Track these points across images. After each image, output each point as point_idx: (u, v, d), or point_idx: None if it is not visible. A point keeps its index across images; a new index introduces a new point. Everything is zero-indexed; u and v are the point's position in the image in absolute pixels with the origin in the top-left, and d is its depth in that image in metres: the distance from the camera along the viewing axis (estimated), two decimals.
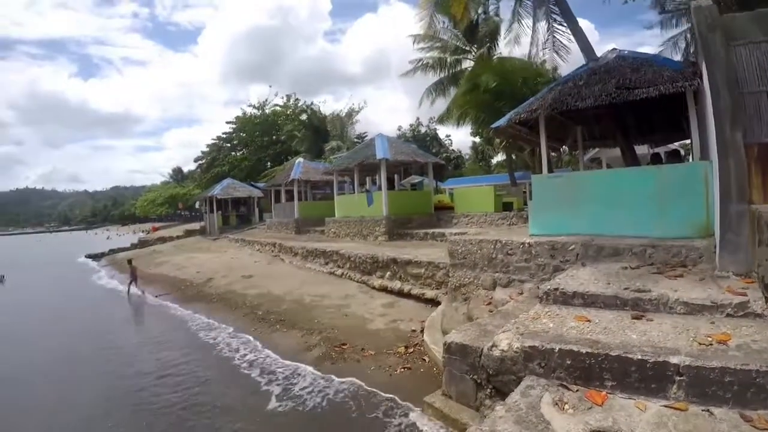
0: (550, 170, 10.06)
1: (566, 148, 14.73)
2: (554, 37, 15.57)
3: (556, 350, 4.11)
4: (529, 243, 7.93)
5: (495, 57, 24.51)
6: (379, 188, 20.61)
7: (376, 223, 19.20)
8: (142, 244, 41.95)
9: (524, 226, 10.25)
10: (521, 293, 7.59)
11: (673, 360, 3.57)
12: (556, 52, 15.91)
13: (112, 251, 39.89)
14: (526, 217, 11.88)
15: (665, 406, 3.44)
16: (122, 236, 65.89)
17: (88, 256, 38.18)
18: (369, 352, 8.85)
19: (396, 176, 24.59)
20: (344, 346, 9.39)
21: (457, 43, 27.39)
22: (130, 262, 22.02)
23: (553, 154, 13.69)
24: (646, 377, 3.64)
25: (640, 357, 3.68)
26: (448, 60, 27.71)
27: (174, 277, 22.13)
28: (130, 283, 19.75)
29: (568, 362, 4.01)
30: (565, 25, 13.36)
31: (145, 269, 25.92)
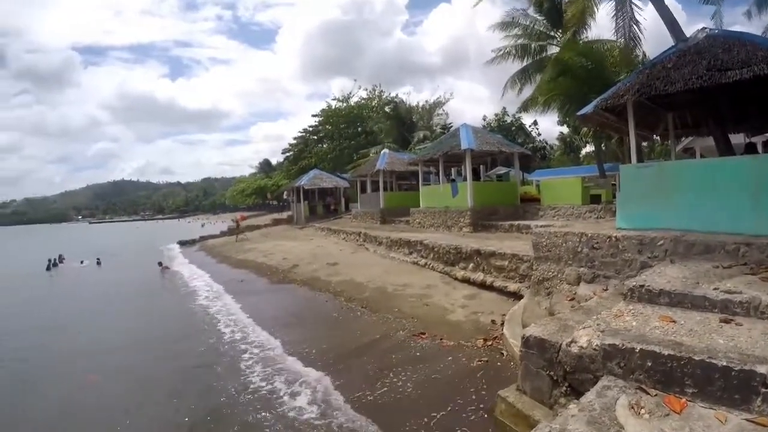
0: (639, 160, 9.62)
1: (657, 137, 14.01)
2: (638, 17, 14.84)
3: (637, 350, 3.94)
4: (615, 237, 7.59)
5: (581, 41, 23.45)
6: (464, 179, 20.44)
7: (461, 214, 19.06)
8: (232, 231, 43.77)
9: (612, 220, 9.85)
10: (606, 289, 7.31)
11: (761, 370, 3.32)
12: (638, 35, 15.16)
13: (203, 238, 42.03)
14: (614, 210, 11.41)
15: (747, 420, 3.21)
16: (214, 224, 69.03)
17: (180, 243, 40.22)
18: (447, 342, 8.87)
19: (482, 167, 24.26)
20: (423, 335, 9.47)
21: (541, 29, 26.41)
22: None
23: (643, 143, 13.04)
24: (729, 386, 3.40)
25: (725, 364, 3.45)
26: (533, 46, 26.73)
27: (261, 263, 22.96)
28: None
29: (649, 364, 3.83)
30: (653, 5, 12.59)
31: (234, 255, 27.15)
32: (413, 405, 6.68)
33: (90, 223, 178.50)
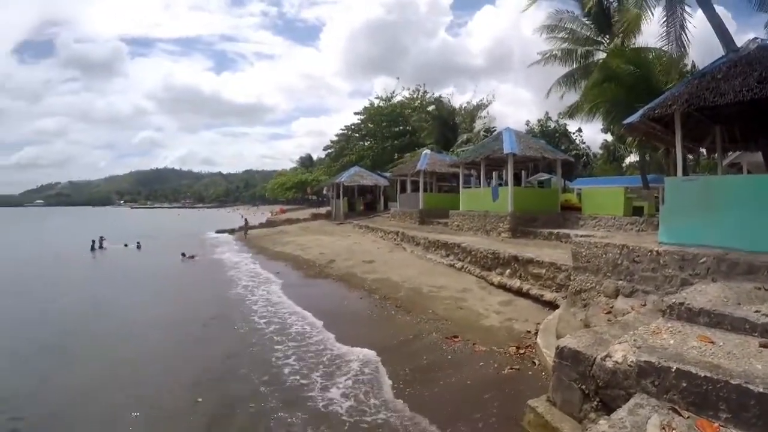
0: (685, 173, 9.38)
1: (704, 150, 13.66)
2: (688, 26, 14.45)
3: (673, 370, 3.88)
4: (657, 251, 7.42)
5: (629, 47, 22.88)
6: (505, 183, 20.30)
7: (500, 219, 18.91)
8: (270, 224, 44.60)
9: (653, 233, 9.64)
10: (644, 305, 7.20)
11: None
12: (687, 43, 14.77)
13: (242, 228, 42.56)
14: (656, 223, 11.15)
15: None
16: (254, 215, 70.09)
17: (218, 231, 41.10)
18: (480, 347, 8.85)
19: (523, 172, 24.03)
20: (456, 339, 9.48)
21: (588, 33, 25.93)
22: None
23: (689, 156, 12.72)
24: (765, 414, 3.32)
25: (761, 390, 3.36)
26: (579, 51, 26.35)
27: (298, 256, 23.32)
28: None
29: (684, 385, 3.77)
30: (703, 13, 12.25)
31: (272, 247, 27.59)
32: (441, 407, 6.73)
33: (132, 207, 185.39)
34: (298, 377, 8.12)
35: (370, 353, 9.14)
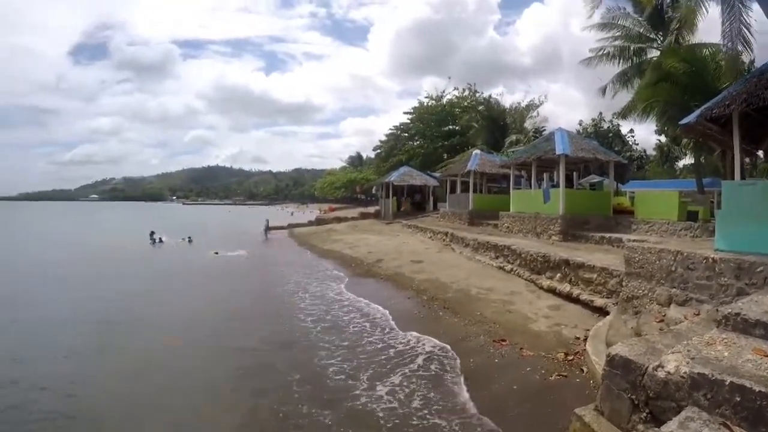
0: (743, 177, 9.06)
1: (761, 153, 13.13)
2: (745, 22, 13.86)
3: (727, 383, 3.78)
4: (713, 258, 7.19)
5: (684, 45, 22.04)
6: (557, 185, 19.99)
7: (551, 222, 18.63)
8: (319, 222, 45.08)
9: (709, 240, 9.37)
10: (697, 314, 7.00)
11: None
12: (747, 40, 14.15)
13: (291, 226, 43.42)
14: (711, 229, 10.77)
15: None
16: (303, 213, 71.21)
17: (267, 229, 41.76)
18: (527, 352, 8.78)
19: (575, 174, 23.57)
20: (503, 342, 9.44)
21: (641, 30, 25.12)
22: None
23: (746, 159, 12.26)
24: None
25: None
26: (631, 49, 25.57)
27: (346, 254, 23.60)
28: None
29: (737, 399, 3.67)
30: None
31: (321, 245, 27.98)
32: (487, 411, 6.77)
33: (183, 204, 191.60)
34: (343, 377, 8.31)
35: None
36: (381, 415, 6.85)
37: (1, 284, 17.57)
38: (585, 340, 8.90)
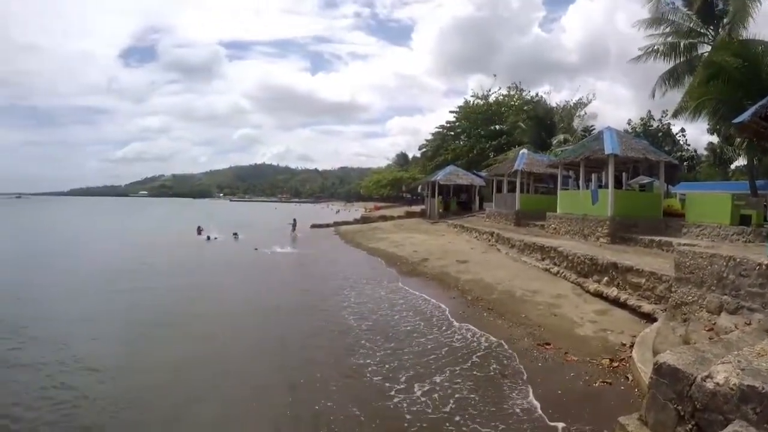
0: None
1: None
2: None
3: None
4: (766, 265, 6.97)
5: (736, 40, 21.06)
6: (605, 186, 19.57)
7: (599, 224, 18.25)
8: (365, 220, 45.41)
9: (762, 245, 9.04)
10: (749, 323, 6.75)
11: None
12: None
13: (337, 223, 43.90)
14: (765, 234, 10.38)
15: None
16: (349, 212, 71.81)
17: (313, 226, 42.23)
18: (572, 357, 8.69)
19: (624, 174, 22.97)
20: (548, 346, 9.39)
21: (691, 25, 24.29)
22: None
23: None
24: None
25: None
26: (682, 45, 24.79)
27: (392, 253, 23.73)
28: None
29: None
30: None
31: (366, 243, 28.19)
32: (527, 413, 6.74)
33: (230, 200, 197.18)
34: (380, 378, 8.36)
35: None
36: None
37: (53, 275, 18.77)
38: (631, 346, 8.70)
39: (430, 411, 6.97)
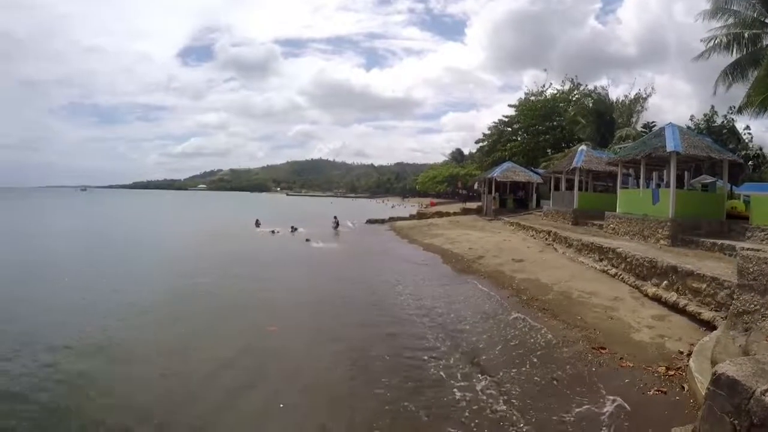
0: None
1: None
2: None
3: None
4: None
5: None
6: (666, 185, 19.06)
7: (660, 225, 17.71)
8: (420, 216, 45.56)
9: None
10: None
11: None
12: None
13: (392, 219, 44.29)
14: None
15: None
16: (405, 207, 72.17)
17: (369, 221, 42.71)
18: (627, 363, 8.57)
19: (686, 173, 22.24)
20: (603, 350, 9.29)
21: (755, 15, 23.00)
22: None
23: None
24: None
25: None
26: (745, 35, 23.52)
27: (447, 249, 23.91)
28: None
29: None
30: None
31: (421, 239, 28.43)
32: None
33: (287, 195, 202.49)
34: (440, 372, 8.51)
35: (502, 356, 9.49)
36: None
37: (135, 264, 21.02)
38: (689, 355, 8.51)
39: (488, 409, 7.14)
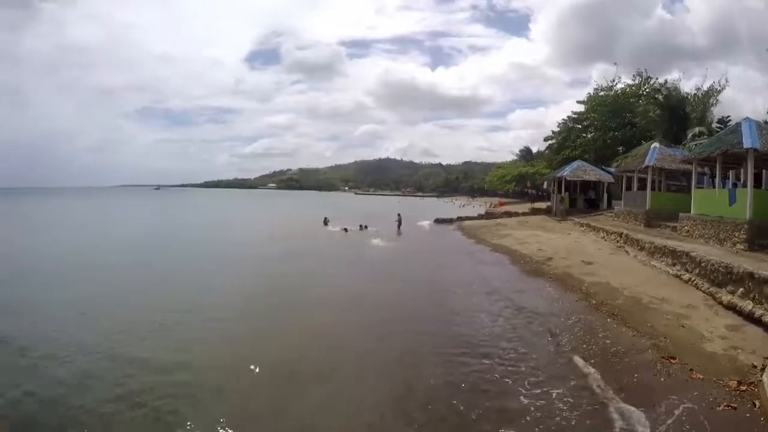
0: None
1: None
2: None
3: None
4: None
5: None
6: (743, 185, 18.25)
7: (736, 227, 16.86)
8: (488, 215, 45.39)
9: None
10: None
11: None
12: None
13: (460, 218, 44.30)
14: None
15: None
16: (473, 207, 71.94)
17: (437, 221, 42.88)
18: (697, 375, 8.39)
19: (764, 172, 21.13)
20: (673, 361, 9.12)
21: None
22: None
23: None
24: None
25: None
26: None
27: (515, 250, 23.98)
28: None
29: None
30: None
31: (490, 239, 28.53)
32: None
33: (355, 193, 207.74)
34: (504, 377, 8.60)
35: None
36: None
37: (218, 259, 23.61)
38: (762, 369, 8.19)
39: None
